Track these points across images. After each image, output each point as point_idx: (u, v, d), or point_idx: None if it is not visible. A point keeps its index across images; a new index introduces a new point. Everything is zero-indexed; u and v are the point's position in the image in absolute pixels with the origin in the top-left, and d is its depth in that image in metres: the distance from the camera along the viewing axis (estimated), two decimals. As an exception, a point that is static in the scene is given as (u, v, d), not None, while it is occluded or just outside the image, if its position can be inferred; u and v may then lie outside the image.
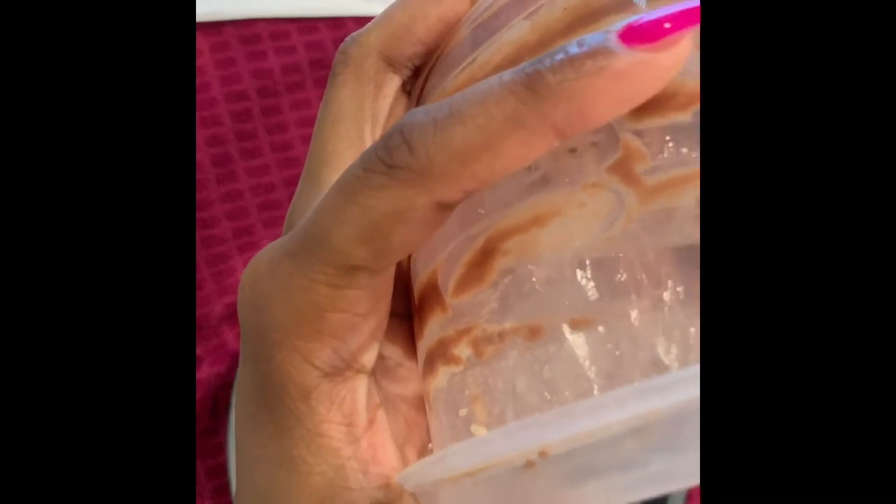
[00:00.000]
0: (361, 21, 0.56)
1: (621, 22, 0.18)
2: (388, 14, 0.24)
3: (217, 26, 0.53)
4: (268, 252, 0.21)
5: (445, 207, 0.19)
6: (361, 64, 0.24)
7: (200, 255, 0.49)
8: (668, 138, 0.20)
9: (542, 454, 0.17)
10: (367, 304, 0.21)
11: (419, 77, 0.25)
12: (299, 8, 0.55)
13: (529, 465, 0.18)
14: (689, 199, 0.19)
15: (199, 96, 0.51)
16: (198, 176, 0.50)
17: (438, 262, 0.22)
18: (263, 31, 0.54)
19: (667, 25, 0.18)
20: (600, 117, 0.18)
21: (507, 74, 0.18)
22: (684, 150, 0.20)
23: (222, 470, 0.45)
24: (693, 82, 0.19)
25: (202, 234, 0.49)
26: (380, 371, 0.23)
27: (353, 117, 0.24)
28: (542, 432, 0.17)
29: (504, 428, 0.19)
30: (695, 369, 0.16)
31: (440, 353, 0.22)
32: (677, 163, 0.20)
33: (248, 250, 0.50)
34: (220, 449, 0.46)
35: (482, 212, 0.21)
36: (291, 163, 0.52)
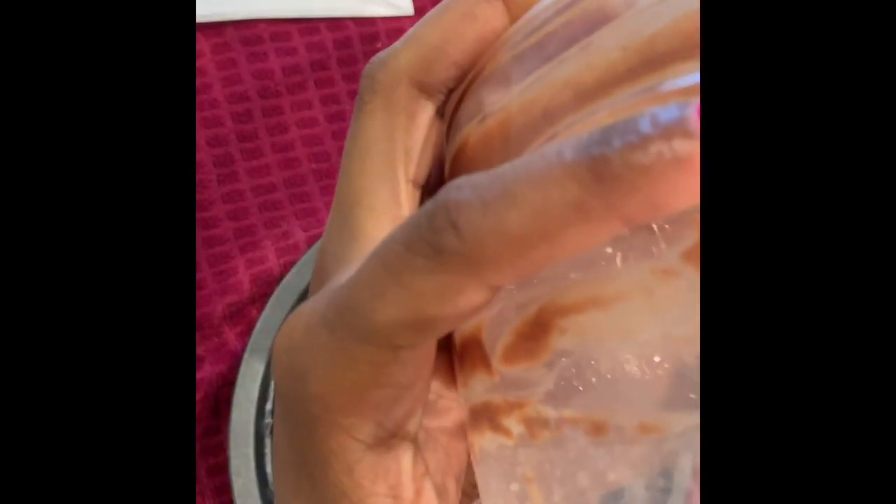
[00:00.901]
0: (362, 22, 0.56)
1: (695, 74, 0.15)
2: (418, 34, 0.22)
3: (218, 27, 0.53)
4: (305, 315, 0.20)
5: (497, 289, 0.18)
6: (391, 92, 0.22)
7: (201, 255, 0.49)
8: None
9: None
10: (411, 376, 0.19)
11: (451, 99, 0.22)
12: (300, 9, 0.55)
13: None
14: None
15: (201, 97, 0.51)
16: (199, 176, 0.50)
17: (483, 317, 0.20)
18: (264, 32, 0.54)
19: None
20: (676, 207, 0.15)
21: (567, 151, 0.16)
22: None
23: (223, 469, 0.45)
24: None
25: (203, 235, 0.49)
26: None
27: (384, 152, 0.22)
28: None
29: None
30: None
31: (487, 417, 0.20)
32: None
33: (249, 250, 0.50)
34: (221, 448, 0.47)
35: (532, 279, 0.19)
36: (292, 163, 0.52)
